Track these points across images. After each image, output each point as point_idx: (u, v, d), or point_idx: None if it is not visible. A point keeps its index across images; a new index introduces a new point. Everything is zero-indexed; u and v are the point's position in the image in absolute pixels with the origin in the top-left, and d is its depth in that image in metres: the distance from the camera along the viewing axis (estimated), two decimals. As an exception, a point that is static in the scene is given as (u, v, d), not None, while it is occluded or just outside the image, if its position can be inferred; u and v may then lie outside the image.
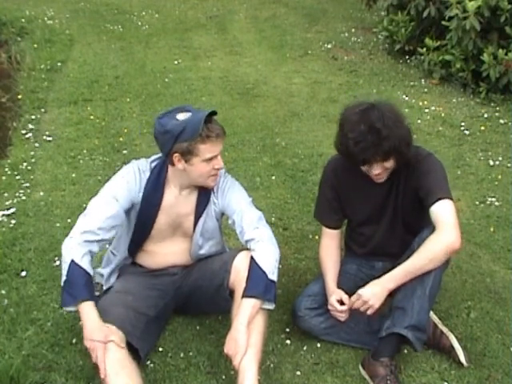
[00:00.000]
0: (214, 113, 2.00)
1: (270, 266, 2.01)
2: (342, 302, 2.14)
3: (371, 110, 1.99)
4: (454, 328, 2.34)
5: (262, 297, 1.96)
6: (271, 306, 2.01)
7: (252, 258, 2.03)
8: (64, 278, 1.94)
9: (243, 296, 1.97)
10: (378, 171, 2.06)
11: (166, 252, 2.23)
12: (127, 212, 2.10)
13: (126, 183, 2.07)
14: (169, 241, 2.21)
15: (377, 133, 1.94)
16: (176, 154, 1.98)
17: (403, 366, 2.15)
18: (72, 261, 1.93)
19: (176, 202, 2.14)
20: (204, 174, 2.04)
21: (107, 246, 2.34)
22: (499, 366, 2.16)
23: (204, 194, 2.16)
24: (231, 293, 2.12)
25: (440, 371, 2.14)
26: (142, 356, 2.01)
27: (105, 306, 2.01)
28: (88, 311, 1.89)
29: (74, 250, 1.95)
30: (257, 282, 1.98)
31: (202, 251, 2.25)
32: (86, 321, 1.88)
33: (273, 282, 2.00)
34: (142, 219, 2.13)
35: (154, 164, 2.13)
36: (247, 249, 2.13)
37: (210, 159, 2.00)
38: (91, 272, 1.97)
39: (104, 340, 1.83)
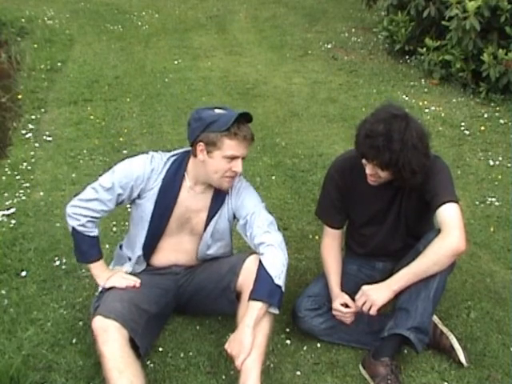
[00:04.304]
0: (249, 116, 2.05)
1: (277, 270, 2.01)
2: (346, 305, 2.15)
3: (400, 119, 1.96)
4: (454, 328, 2.34)
5: (267, 300, 1.97)
6: (276, 311, 2.01)
7: (260, 261, 2.04)
8: (72, 237, 2.15)
9: (249, 299, 1.98)
10: (370, 172, 2.06)
11: (170, 249, 2.22)
12: (135, 200, 2.14)
13: (135, 167, 2.10)
14: (175, 237, 2.19)
15: (388, 141, 1.93)
16: (201, 143, 2.02)
17: (403, 366, 2.15)
18: (73, 228, 2.11)
19: (188, 196, 2.14)
20: (220, 171, 2.03)
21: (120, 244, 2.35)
22: (499, 366, 2.16)
23: (219, 195, 2.16)
24: (237, 295, 2.13)
25: (440, 371, 2.14)
26: (142, 354, 2.00)
27: (108, 301, 2.00)
28: (96, 272, 2.16)
29: (73, 217, 2.11)
30: (262, 285, 1.99)
31: (210, 251, 2.24)
32: (97, 278, 2.15)
33: (278, 286, 2.00)
34: (159, 211, 2.12)
35: (173, 158, 2.15)
36: (256, 252, 2.13)
37: (231, 158, 2.01)
38: (93, 233, 2.14)
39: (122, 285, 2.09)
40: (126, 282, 2.10)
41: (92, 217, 2.09)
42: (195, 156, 2.07)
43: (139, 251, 2.18)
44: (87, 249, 2.14)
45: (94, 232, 2.13)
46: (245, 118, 2.04)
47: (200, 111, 2.05)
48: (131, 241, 2.23)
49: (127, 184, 2.07)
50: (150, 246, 2.18)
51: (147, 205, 2.11)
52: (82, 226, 2.09)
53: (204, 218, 2.17)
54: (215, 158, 2.01)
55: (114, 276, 2.13)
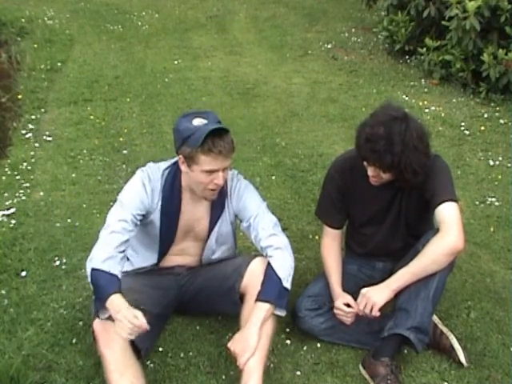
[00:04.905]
0: (225, 130, 1.95)
1: (285, 273, 2.03)
2: (348, 305, 2.15)
3: (400, 121, 1.96)
4: (454, 328, 2.34)
5: (274, 302, 1.98)
6: (282, 313, 2.02)
7: (269, 263, 2.05)
8: (91, 284, 1.91)
9: (257, 300, 1.98)
10: (372, 174, 2.07)
11: (175, 255, 2.22)
12: (142, 221, 2.08)
13: (137, 194, 2.05)
14: (180, 244, 2.20)
15: (390, 144, 1.93)
16: (181, 156, 2.00)
17: (403, 366, 2.15)
18: (92, 269, 1.89)
19: (189, 204, 2.14)
20: (201, 185, 2.02)
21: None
22: (499, 366, 2.16)
23: (218, 199, 2.14)
24: (241, 297, 2.13)
25: (440, 371, 2.14)
26: (143, 355, 2.00)
27: None
28: (114, 305, 1.82)
29: (94, 259, 1.92)
30: (271, 287, 2.00)
31: (215, 256, 2.25)
32: (116, 314, 1.81)
33: (286, 289, 2.01)
34: (167, 224, 2.12)
35: (167, 171, 2.11)
36: (261, 255, 2.13)
37: (210, 172, 1.98)
38: (114, 271, 1.89)
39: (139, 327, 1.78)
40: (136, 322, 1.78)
41: (111, 257, 1.92)
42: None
43: (154, 261, 2.19)
44: (107, 282, 1.88)
45: (115, 271, 1.91)
46: (223, 130, 1.96)
47: (180, 122, 1.98)
48: (138, 252, 2.22)
49: (135, 211, 2.03)
50: (162, 256, 2.20)
51: (154, 221, 2.11)
52: (107, 259, 1.91)
53: (206, 225, 2.17)
54: (195, 171, 1.99)
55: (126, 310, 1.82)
